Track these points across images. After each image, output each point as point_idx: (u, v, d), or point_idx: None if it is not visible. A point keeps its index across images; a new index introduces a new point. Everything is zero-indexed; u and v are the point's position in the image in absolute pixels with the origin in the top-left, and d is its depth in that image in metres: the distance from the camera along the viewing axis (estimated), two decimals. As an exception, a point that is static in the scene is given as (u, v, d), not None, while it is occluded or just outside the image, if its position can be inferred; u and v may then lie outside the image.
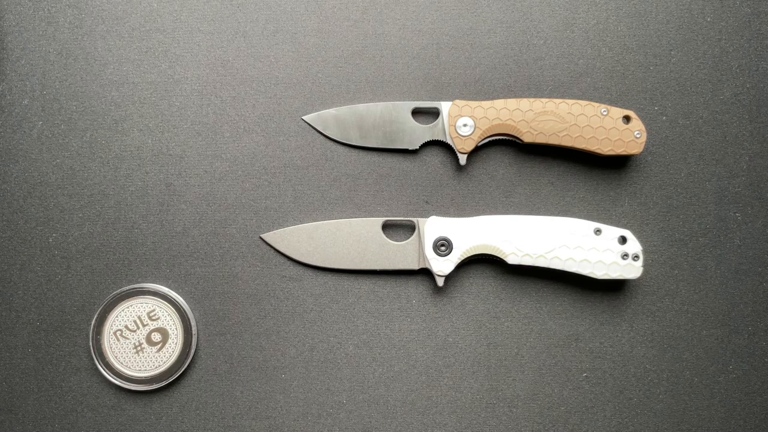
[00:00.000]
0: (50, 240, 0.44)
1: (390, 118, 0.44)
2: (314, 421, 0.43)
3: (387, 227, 0.44)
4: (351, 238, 0.43)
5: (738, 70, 0.45)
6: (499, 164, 0.45)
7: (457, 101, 0.43)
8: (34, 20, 0.45)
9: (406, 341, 0.44)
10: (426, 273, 0.44)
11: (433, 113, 0.44)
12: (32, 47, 0.45)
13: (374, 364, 0.43)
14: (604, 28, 0.45)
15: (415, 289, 0.44)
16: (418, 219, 0.43)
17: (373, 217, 0.44)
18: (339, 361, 0.43)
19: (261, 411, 0.43)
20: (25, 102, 0.44)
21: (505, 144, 0.45)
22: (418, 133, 0.44)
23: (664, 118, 0.45)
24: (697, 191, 0.44)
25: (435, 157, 0.45)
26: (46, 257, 0.44)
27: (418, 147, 0.44)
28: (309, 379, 0.43)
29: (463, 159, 0.43)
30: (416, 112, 0.44)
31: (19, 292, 0.43)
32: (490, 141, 0.44)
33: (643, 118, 0.44)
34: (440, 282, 0.43)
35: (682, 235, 0.44)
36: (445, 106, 0.43)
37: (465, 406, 0.43)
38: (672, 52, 0.45)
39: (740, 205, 0.44)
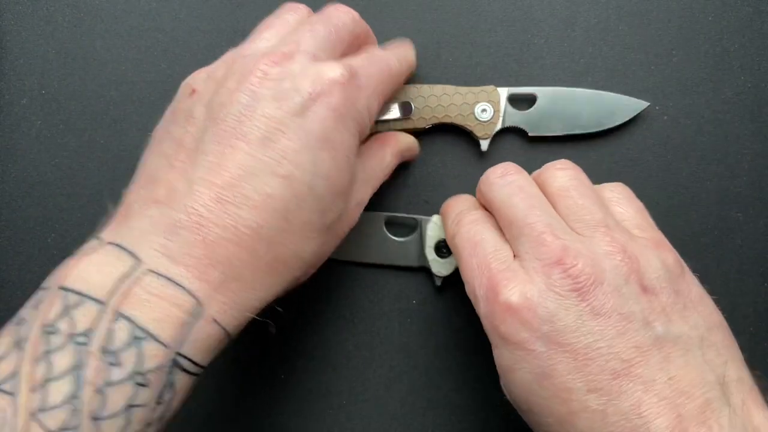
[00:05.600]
0: (49, 240, 0.44)
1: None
2: (314, 421, 0.43)
3: (390, 224, 0.44)
4: (353, 232, 0.43)
5: (740, 70, 0.45)
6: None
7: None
8: (33, 19, 0.45)
9: (406, 341, 0.44)
10: (426, 271, 0.44)
11: None
12: (31, 46, 0.44)
13: (374, 365, 0.43)
14: (605, 27, 0.45)
15: (415, 289, 0.44)
16: (422, 218, 0.43)
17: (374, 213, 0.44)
18: (339, 361, 0.43)
19: (261, 411, 0.43)
20: (24, 101, 0.44)
21: (508, 142, 0.44)
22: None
23: (666, 117, 0.44)
24: (698, 191, 0.44)
25: (436, 156, 0.45)
26: (45, 257, 0.43)
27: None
28: (309, 379, 0.43)
29: (485, 145, 0.43)
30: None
31: (18, 292, 0.43)
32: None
33: (644, 118, 0.44)
34: (438, 282, 0.43)
35: (682, 235, 0.44)
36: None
37: (465, 406, 0.43)
38: (673, 51, 0.45)
39: (741, 205, 0.44)
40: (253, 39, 0.35)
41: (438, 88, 0.43)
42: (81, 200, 0.44)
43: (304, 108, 0.31)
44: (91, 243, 0.30)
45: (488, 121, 0.43)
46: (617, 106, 0.44)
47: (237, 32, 0.44)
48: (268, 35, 0.35)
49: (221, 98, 0.31)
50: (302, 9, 0.37)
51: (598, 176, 0.44)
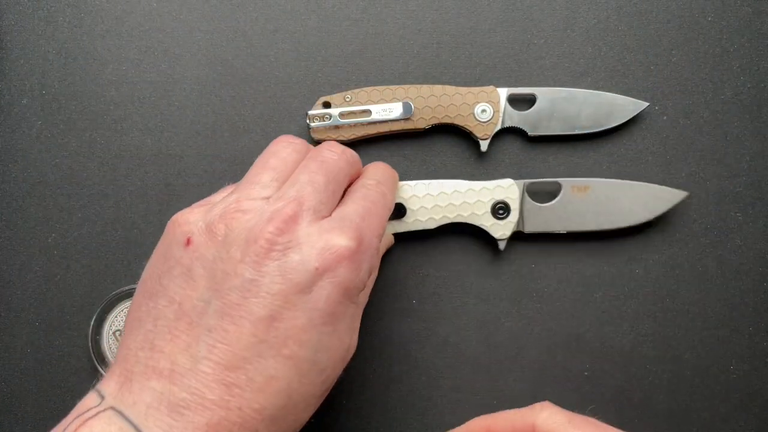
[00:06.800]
0: (49, 240, 0.44)
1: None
2: (314, 421, 0.43)
3: None
4: None
5: (739, 70, 0.45)
6: (500, 164, 0.45)
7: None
8: (33, 19, 0.45)
9: (406, 341, 0.44)
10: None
11: None
12: (31, 46, 0.44)
13: (374, 365, 0.43)
14: (605, 28, 0.45)
15: (415, 289, 0.44)
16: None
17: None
18: (339, 361, 0.43)
19: (261, 411, 0.43)
20: (24, 101, 0.44)
21: (508, 142, 0.44)
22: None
23: (665, 117, 0.44)
24: (698, 191, 0.44)
25: (436, 156, 0.45)
26: (45, 257, 0.44)
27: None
28: (309, 380, 0.43)
29: (484, 145, 0.43)
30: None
31: (18, 292, 0.43)
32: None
33: (643, 118, 0.44)
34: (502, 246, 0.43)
35: (682, 235, 0.44)
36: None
37: (465, 406, 0.43)
38: (673, 52, 0.45)
39: (741, 205, 0.44)
40: (251, 182, 0.33)
41: (438, 89, 0.43)
42: (81, 200, 0.44)
43: (310, 284, 0.30)
44: (92, 398, 0.30)
45: (488, 121, 0.43)
46: (617, 107, 0.44)
47: (237, 33, 0.45)
48: (267, 179, 0.33)
49: (225, 266, 0.30)
50: (299, 145, 0.36)
51: (597, 176, 0.44)
